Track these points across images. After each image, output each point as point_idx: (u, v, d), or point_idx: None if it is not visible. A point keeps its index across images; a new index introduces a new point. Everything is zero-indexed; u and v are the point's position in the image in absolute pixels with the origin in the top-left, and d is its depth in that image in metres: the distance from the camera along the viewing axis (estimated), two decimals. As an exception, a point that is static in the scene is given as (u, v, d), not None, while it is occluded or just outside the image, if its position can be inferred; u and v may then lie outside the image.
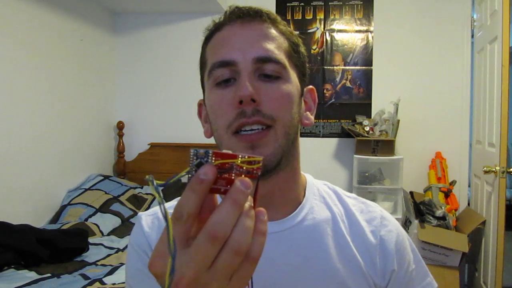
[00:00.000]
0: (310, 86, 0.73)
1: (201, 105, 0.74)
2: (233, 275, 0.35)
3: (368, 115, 3.22)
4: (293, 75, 0.66)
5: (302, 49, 0.70)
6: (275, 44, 0.64)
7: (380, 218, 0.72)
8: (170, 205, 0.72)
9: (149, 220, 0.70)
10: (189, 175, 0.37)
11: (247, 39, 0.63)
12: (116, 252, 2.21)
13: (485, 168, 2.46)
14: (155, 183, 0.36)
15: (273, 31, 0.65)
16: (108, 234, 2.50)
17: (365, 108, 3.26)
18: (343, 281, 0.65)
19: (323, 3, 3.31)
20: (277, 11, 3.29)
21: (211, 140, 0.67)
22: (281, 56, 0.64)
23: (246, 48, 0.62)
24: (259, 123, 0.60)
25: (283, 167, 0.64)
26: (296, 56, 0.68)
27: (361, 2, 3.27)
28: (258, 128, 0.60)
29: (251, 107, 0.60)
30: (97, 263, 2.04)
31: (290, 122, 0.64)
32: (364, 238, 0.69)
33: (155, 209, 0.73)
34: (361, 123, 3.12)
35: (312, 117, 0.72)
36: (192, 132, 3.32)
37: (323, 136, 3.28)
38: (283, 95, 0.63)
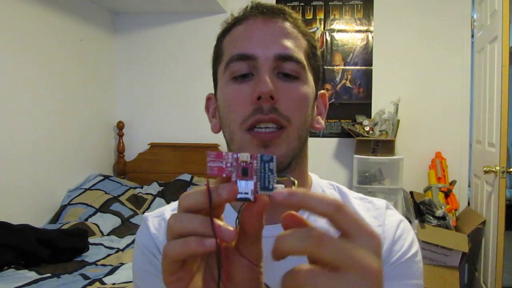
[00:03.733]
0: (322, 91, 0.72)
1: (210, 99, 0.72)
2: None
3: (368, 115, 3.22)
4: (310, 77, 0.65)
5: (319, 52, 0.69)
6: (296, 43, 0.64)
7: (386, 210, 0.70)
8: (175, 206, 0.72)
9: (156, 221, 0.69)
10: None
11: (269, 35, 0.62)
12: (116, 252, 2.21)
13: (485, 168, 2.46)
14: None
15: (294, 31, 0.65)
16: (108, 234, 2.49)
17: (365, 108, 3.26)
18: None
19: (323, 3, 3.31)
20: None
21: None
22: (301, 56, 0.63)
23: (267, 44, 0.61)
24: (274, 122, 0.59)
25: (292, 169, 0.63)
26: (314, 58, 0.67)
27: (361, 2, 3.27)
28: (272, 127, 0.60)
29: (268, 104, 0.59)
30: (97, 263, 2.04)
31: (303, 124, 0.63)
32: None
33: (161, 210, 0.72)
34: (361, 123, 3.12)
35: (323, 122, 0.71)
36: (192, 132, 3.33)
37: (323, 136, 3.28)
38: (300, 96, 0.62)
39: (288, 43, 0.62)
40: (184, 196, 0.37)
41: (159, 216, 0.70)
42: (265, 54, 0.61)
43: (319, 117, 0.70)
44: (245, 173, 0.36)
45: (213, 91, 0.73)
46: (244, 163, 0.36)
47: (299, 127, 0.62)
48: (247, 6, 0.66)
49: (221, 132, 0.68)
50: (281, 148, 0.60)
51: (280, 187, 0.36)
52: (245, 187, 0.36)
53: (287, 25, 0.64)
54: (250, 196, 0.35)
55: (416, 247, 0.68)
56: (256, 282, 0.38)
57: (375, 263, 0.32)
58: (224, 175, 0.36)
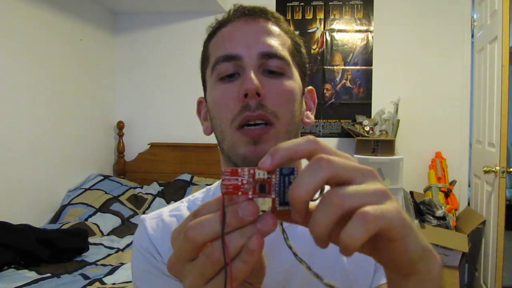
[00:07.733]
0: (310, 87, 0.74)
1: (201, 102, 0.74)
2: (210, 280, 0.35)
3: (368, 115, 3.22)
4: (296, 73, 0.67)
5: (304, 50, 0.71)
6: (279, 41, 0.65)
7: None
8: (173, 208, 0.73)
9: (154, 222, 0.71)
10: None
11: (252, 35, 0.64)
12: (116, 252, 2.21)
13: (485, 168, 2.46)
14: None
15: (277, 29, 0.67)
16: (108, 234, 2.50)
17: (365, 108, 3.26)
18: (345, 270, 0.65)
19: (323, 3, 3.31)
20: (277, 11, 3.28)
21: (208, 139, 0.67)
22: (285, 53, 0.65)
23: (251, 43, 0.63)
24: (262, 118, 0.60)
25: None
26: (299, 55, 0.69)
27: (361, 2, 3.27)
28: (261, 123, 0.61)
29: (255, 101, 0.60)
30: (97, 263, 2.04)
31: (291, 120, 0.64)
32: None
33: (159, 211, 0.73)
34: (361, 123, 3.12)
35: (313, 117, 0.72)
36: (192, 132, 3.32)
37: (323, 136, 3.28)
38: (286, 91, 0.63)
39: (271, 41, 0.64)
40: (193, 227, 0.34)
41: (157, 217, 0.71)
42: (249, 53, 0.62)
43: (308, 112, 0.72)
44: (262, 190, 0.33)
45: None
46: (261, 180, 0.33)
47: (287, 123, 0.63)
48: (230, 10, 0.68)
49: (213, 134, 0.70)
50: (271, 144, 0.61)
51: None
52: (262, 204, 0.33)
53: (269, 24, 0.66)
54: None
55: None
56: None
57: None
58: (239, 193, 0.33)
